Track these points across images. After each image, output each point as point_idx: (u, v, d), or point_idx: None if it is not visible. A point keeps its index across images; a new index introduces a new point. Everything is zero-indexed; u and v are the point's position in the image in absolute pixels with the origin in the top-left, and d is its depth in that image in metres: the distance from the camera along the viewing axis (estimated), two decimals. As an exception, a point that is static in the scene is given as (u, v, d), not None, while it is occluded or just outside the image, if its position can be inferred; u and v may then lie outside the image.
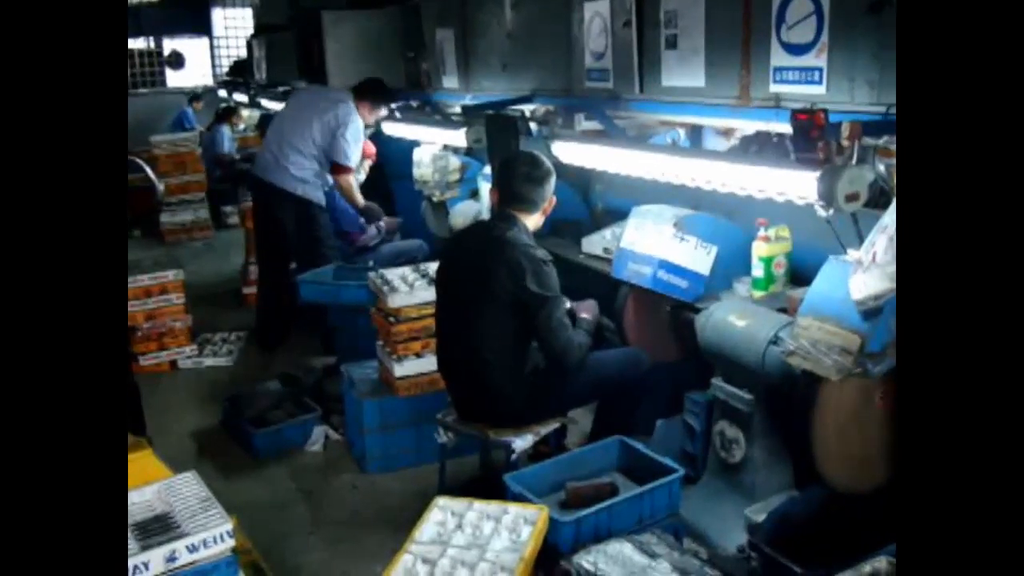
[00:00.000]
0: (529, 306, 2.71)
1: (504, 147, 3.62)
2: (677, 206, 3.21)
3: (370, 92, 4.75)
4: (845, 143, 1.98)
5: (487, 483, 3.08)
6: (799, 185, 2.10)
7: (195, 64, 13.13)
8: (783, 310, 2.69)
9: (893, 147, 2.29)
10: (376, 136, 5.29)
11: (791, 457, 2.78)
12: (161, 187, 7.32)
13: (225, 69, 12.30)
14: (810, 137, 1.98)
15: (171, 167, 8.24)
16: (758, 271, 2.98)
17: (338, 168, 4.65)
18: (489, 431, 2.86)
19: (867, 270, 2.16)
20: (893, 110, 2.18)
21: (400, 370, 3.36)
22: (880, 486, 2.47)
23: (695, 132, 3.68)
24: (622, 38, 3.18)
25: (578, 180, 4.08)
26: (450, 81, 4.94)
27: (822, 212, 2.03)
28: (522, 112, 3.60)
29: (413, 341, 3.38)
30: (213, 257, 7.54)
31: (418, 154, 5.08)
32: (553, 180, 2.93)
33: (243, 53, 10.36)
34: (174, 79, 12.94)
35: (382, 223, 5.03)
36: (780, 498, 2.63)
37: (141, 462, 2.32)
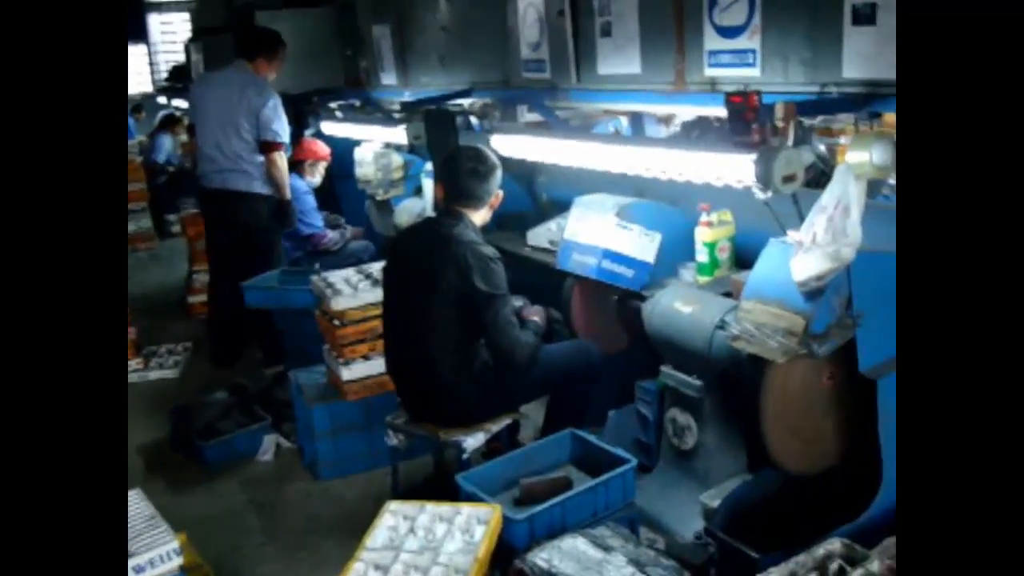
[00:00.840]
0: (476, 304, 2.67)
1: (443, 143, 3.57)
2: (621, 195, 3.19)
3: (258, 46, 4.50)
4: (780, 124, 1.96)
5: (442, 484, 3.04)
6: (736, 169, 2.09)
7: (133, 71, 12.82)
8: (728, 294, 2.69)
9: (831, 127, 2.29)
10: (328, 138, 5.19)
11: (744, 441, 2.77)
12: None
13: (164, 75, 12.03)
14: (745, 120, 1.97)
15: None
16: (702, 256, 2.97)
17: (269, 146, 4.39)
18: (440, 431, 2.81)
19: (808, 251, 2.15)
20: (829, 88, 2.18)
21: (348, 374, 3.30)
22: (832, 466, 2.48)
23: (636, 120, 3.67)
24: (557, 27, 3.15)
25: (521, 172, 4.04)
26: (388, 78, 4.88)
27: (760, 195, 2.01)
28: (461, 107, 3.55)
29: (360, 344, 3.31)
30: (158, 267, 7.36)
31: (359, 153, 4.99)
32: (499, 174, 2.89)
33: (181, 58, 10.14)
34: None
35: (346, 229, 4.94)
36: (734, 483, 2.63)
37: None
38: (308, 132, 5.50)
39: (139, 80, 12.95)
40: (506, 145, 3.15)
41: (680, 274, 3.09)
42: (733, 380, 2.60)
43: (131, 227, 8.00)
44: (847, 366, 2.29)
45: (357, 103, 5.36)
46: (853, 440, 2.46)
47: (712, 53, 2.55)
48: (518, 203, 4.15)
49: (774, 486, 2.53)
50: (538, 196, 4.16)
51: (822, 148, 2.43)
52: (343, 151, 5.33)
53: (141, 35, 13.04)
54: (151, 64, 13.11)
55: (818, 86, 2.19)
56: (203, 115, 4.50)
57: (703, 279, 2.99)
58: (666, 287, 2.97)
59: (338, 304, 3.26)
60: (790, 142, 2.06)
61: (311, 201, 4.98)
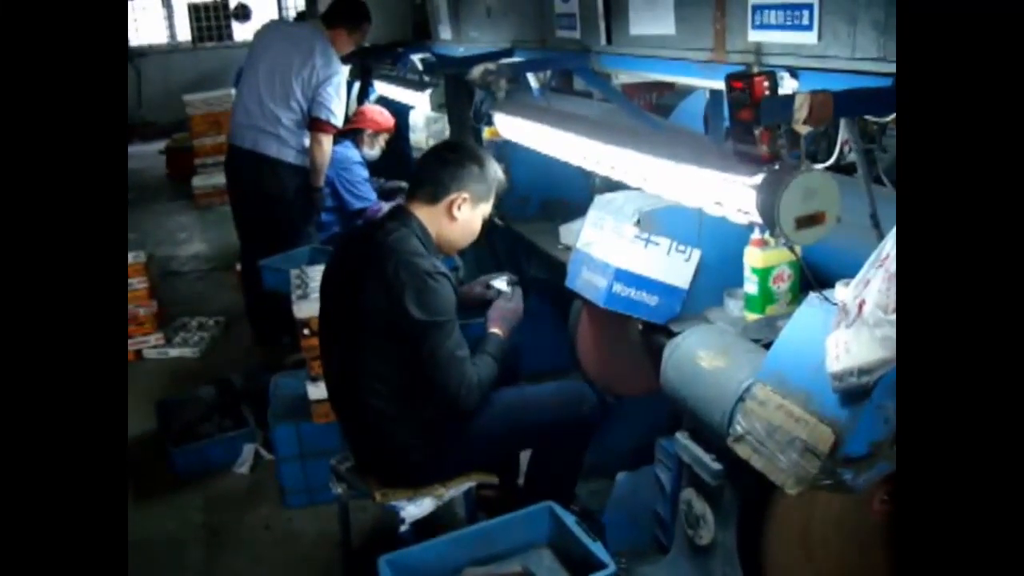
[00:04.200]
0: (411, 335, 2.03)
1: (460, 115, 2.91)
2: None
3: (344, 16, 3.98)
4: (801, 129, 1.19)
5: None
6: (736, 195, 1.33)
7: (262, 15, 12.72)
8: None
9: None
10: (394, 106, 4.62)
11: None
12: None
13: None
14: (742, 119, 1.21)
15: (206, 127, 7.87)
16: (751, 287, 2.20)
17: (319, 125, 3.91)
18: (378, 491, 2.21)
19: (852, 325, 1.38)
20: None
21: (315, 392, 2.75)
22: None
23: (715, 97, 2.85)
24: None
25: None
26: (445, 31, 4.22)
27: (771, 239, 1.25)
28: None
29: (330, 357, 2.74)
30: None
31: (413, 117, 4.43)
32: (475, 170, 2.23)
33: (312, 0, 9.84)
34: (241, 32, 12.59)
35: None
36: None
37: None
38: (372, 95, 4.97)
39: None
40: (510, 127, 2.44)
41: (727, 305, 2.32)
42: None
43: (223, 179, 7.81)
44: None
45: (419, 59, 4.73)
46: None
47: (757, 9, 1.75)
48: (569, 188, 3.46)
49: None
50: (591, 180, 3.43)
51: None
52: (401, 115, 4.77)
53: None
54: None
55: (894, 65, 1.38)
56: (257, 63, 4.01)
57: (751, 316, 2.22)
58: (700, 324, 2.24)
59: (302, 310, 2.69)
60: (829, 160, 1.27)
61: (362, 172, 4.44)
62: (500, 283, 2.48)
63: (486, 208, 2.29)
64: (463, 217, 2.23)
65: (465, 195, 2.20)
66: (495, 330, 2.27)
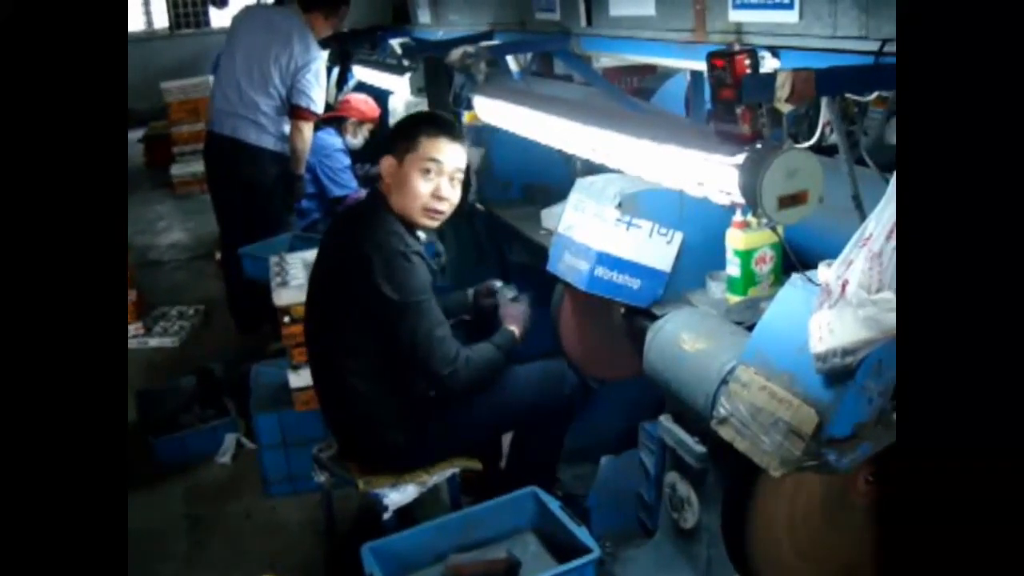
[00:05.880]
0: (386, 316, 2.01)
1: (441, 99, 2.88)
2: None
3: (321, 1, 3.91)
4: (783, 107, 1.17)
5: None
6: (719, 175, 1.32)
7: (239, 1, 12.58)
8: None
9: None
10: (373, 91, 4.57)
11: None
12: None
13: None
14: (723, 98, 1.20)
15: (184, 114, 7.77)
16: (733, 269, 2.19)
17: (299, 112, 3.85)
18: (360, 478, 2.19)
19: (835, 306, 1.38)
20: (888, 47, 1.36)
21: (296, 380, 2.72)
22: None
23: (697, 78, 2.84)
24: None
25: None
26: (424, 15, 4.19)
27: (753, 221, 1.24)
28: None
29: (312, 345, 2.72)
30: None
31: (392, 103, 4.38)
32: (392, 132, 2.25)
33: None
34: (218, 19, 12.42)
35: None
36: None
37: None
38: (351, 80, 4.91)
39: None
40: (489, 111, 2.42)
41: (709, 287, 2.31)
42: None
43: (201, 167, 7.73)
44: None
45: (398, 43, 4.69)
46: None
47: (738, -12, 1.74)
48: (550, 172, 3.43)
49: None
50: (571, 164, 3.41)
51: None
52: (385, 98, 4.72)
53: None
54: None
55: (877, 43, 1.37)
56: (234, 49, 3.95)
57: (733, 299, 2.21)
58: (682, 307, 2.23)
59: (281, 298, 2.66)
60: (813, 138, 1.26)
61: (344, 159, 4.39)
62: (509, 291, 2.47)
63: (414, 158, 2.13)
64: (394, 181, 2.15)
65: (389, 159, 2.15)
66: (512, 327, 2.27)
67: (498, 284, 2.55)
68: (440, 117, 2.29)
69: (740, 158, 1.24)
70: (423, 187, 2.13)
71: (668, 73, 3.12)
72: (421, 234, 2.26)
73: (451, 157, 2.15)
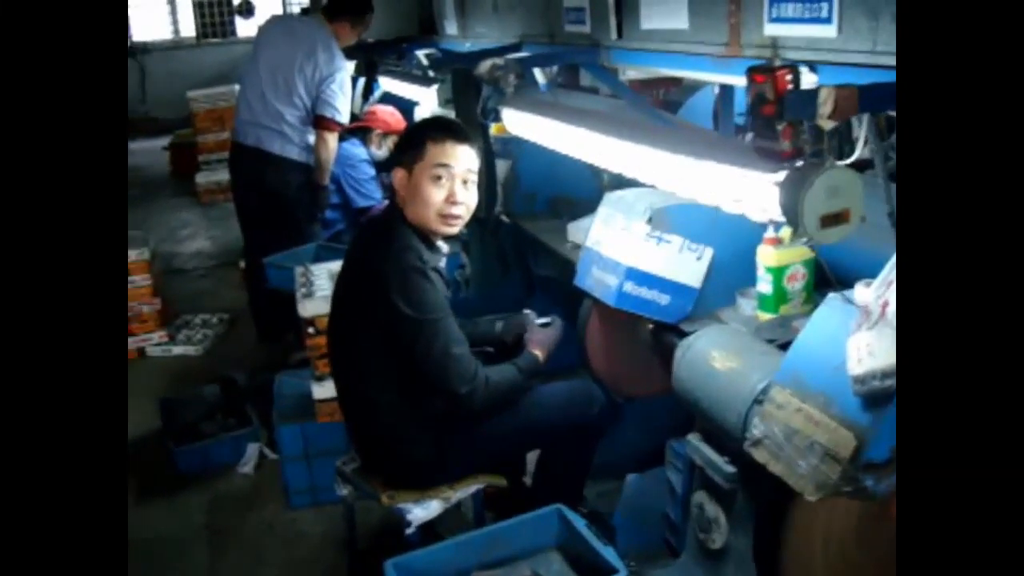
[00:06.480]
0: (403, 332, 2.00)
1: (467, 111, 2.87)
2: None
3: (347, 8, 3.91)
4: (824, 124, 1.15)
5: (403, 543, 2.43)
6: (758, 192, 1.29)
7: (266, 11, 12.67)
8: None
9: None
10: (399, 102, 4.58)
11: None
12: None
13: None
14: (764, 114, 1.17)
15: (209, 123, 7.81)
16: (764, 286, 2.16)
17: (324, 123, 3.85)
18: (384, 493, 2.17)
19: (875, 326, 1.34)
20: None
21: (320, 392, 2.71)
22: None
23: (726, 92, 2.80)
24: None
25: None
26: (451, 27, 4.19)
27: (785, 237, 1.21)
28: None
29: (336, 356, 2.71)
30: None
31: (419, 114, 4.37)
32: (400, 142, 2.22)
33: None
34: (244, 28, 12.53)
35: None
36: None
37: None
38: (377, 91, 4.93)
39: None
40: (517, 123, 2.40)
41: (739, 304, 2.29)
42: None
43: (227, 176, 7.78)
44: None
45: (424, 55, 4.69)
46: None
47: (774, 2, 1.71)
48: (576, 185, 3.41)
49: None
50: (599, 177, 3.39)
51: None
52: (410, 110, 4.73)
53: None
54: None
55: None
56: (259, 59, 3.95)
57: (764, 316, 2.19)
58: (712, 324, 2.20)
59: (307, 309, 2.66)
60: (855, 155, 1.23)
61: (369, 170, 4.38)
62: (539, 318, 2.44)
63: (423, 166, 2.08)
64: (407, 192, 2.11)
65: (399, 171, 2.12)
66: (537, 352, 2.23)
67: (531, 316, 2.46)
68: (444, 120, 2.25)
69: (781, 175, 1.22)
70: (436, 194, 2.08)
71: (694, 86, 3.09)
72: (443, 245, 2.21)
73: (460, 159, 2.10)
